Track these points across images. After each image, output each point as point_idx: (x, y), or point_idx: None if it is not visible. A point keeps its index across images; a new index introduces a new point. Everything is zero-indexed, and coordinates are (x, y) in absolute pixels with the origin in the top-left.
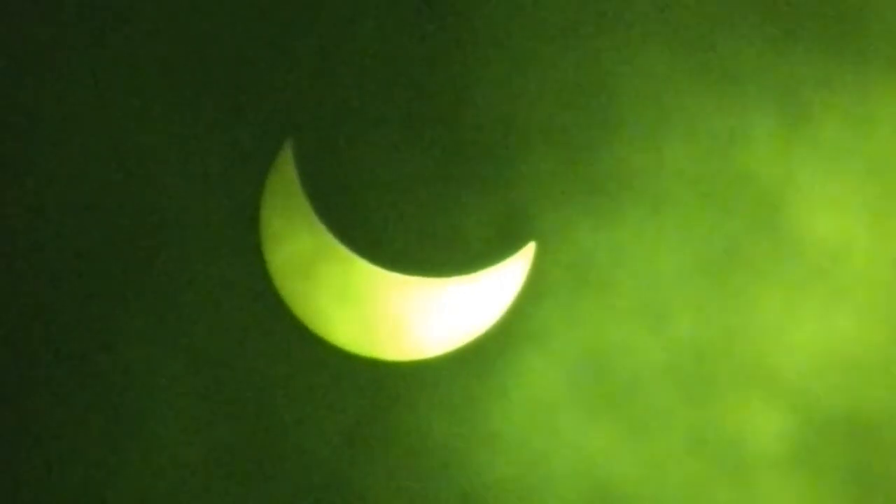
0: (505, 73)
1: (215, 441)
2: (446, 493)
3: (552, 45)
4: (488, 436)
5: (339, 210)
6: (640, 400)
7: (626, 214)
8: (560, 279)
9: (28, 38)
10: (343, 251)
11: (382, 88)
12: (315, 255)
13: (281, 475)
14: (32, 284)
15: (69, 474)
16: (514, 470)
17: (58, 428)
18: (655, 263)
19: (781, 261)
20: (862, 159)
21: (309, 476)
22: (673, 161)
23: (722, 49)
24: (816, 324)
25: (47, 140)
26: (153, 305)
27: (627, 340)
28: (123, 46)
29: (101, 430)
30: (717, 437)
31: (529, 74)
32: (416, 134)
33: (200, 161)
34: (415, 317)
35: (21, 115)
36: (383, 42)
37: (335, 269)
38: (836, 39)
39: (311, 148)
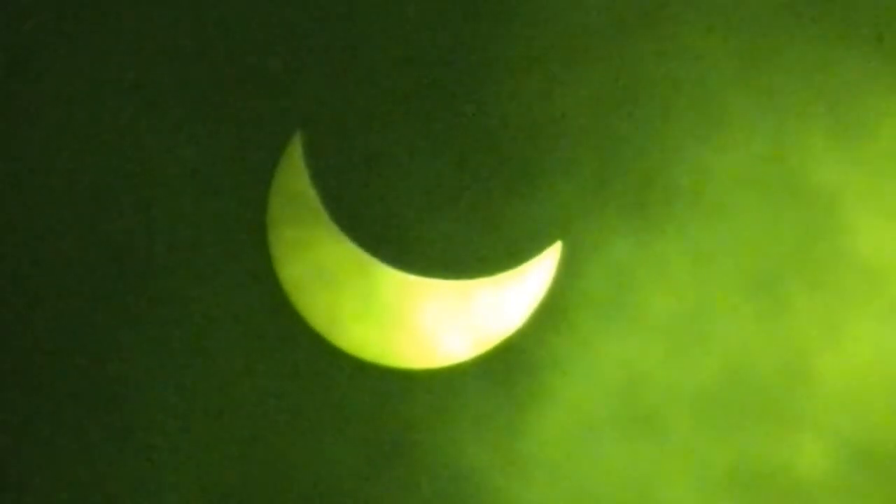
0: (540, 68)
1: (227, 461)
2: None
3: (597, 43)
4: (519, 456)
5: (353, 209)
6: (677, 422)
7: (668, 221)
8: (592, 285)
9: (31, 30)
10: (358, 253)
11: (403, 78)
12: (328, 258)
13: (298, 498)
14: (32, 296)
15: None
16: (546, 494)
17: (61, 434)
18: (697, 275)
19: (834, 273)
20: None
21: (329, 499)
22: (720, 168)
23: (773, 53)
24: (868, 343)
25: (49, 141)
26: (157, 313)
27: (665, 354)
28: (130, 38)
29: (105, 441)
30: (760, 463)
31: (568, 71)
32: (438, 129)
33: (201, 156)
34: (438, 322)
35: (22, 110)
36: (406, 30)
37: (350, 273)
38: (892, 43)
39: (323, 142)
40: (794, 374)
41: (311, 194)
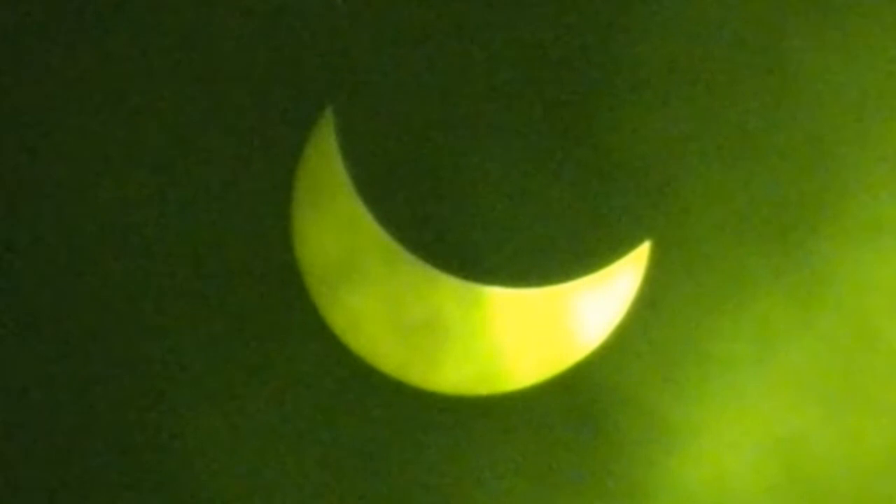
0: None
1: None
2: None
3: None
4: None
5: (390, 198)
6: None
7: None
8: (682, 293)
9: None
10: (396, 250)
11: (454, 43)
12: (360, 256)
13: None
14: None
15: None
16: None
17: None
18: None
19: None
20: None
21: None
22: (847, 169)
23: None
24: None
25: (74, 116)
26: (169, 304)
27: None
28: (158, 7)
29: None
30: None
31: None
32: (492, 106)
33: (221, 137)
34: (492, 337)
35: (45, 87)
36: None
37: (385, 274)
38: None
39: (357, 119)
40: None
41: (343, 180)
